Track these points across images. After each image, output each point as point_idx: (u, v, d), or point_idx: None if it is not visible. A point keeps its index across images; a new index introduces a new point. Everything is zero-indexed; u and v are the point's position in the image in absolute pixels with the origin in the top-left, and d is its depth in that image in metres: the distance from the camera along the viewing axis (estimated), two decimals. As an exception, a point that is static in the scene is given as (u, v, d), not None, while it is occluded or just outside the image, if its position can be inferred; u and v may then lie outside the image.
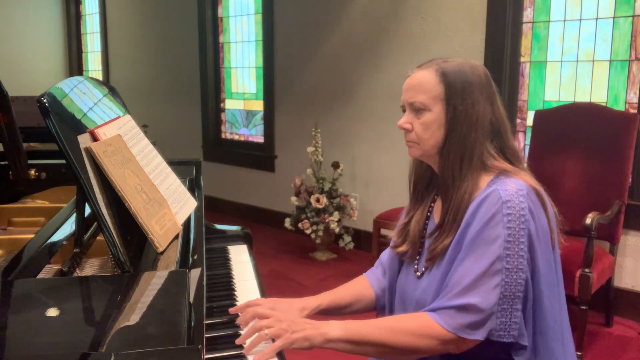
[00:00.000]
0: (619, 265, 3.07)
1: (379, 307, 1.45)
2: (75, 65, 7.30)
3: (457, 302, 1.14)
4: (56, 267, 1.22)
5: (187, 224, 1.41)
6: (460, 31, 3.56)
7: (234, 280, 1.61)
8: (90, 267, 1.26)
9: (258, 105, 5.05)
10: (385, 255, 1.46)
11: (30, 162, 1.80)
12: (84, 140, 1.16)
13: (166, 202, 1.30)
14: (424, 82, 1.24)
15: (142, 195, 1.21)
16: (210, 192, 5.12)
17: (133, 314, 0.94)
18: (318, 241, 4.05)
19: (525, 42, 3.40)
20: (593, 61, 3.18)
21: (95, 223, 1.32)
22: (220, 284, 1.58)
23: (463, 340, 1.16)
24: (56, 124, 1.09)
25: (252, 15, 5.00)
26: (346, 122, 4.27)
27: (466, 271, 1.15)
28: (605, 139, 2.90)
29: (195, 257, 1.30)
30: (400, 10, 3.83)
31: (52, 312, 0.93)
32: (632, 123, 2.84)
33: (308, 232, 3.98)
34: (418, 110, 1.25)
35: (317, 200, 3.97)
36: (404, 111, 1.29)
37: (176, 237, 1.28)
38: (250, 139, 5.18)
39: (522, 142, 3.46)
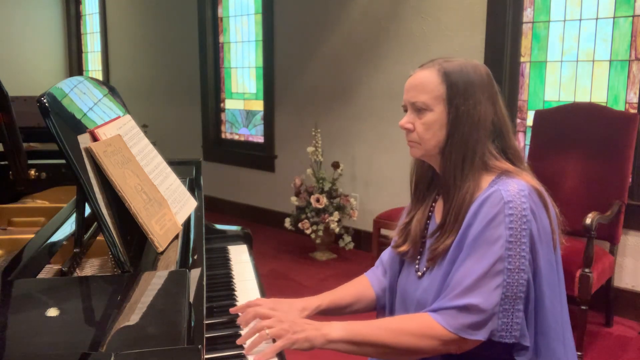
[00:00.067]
0: (619, 265, 3.07)
1: (380, 307, 1.44)
2: (75, 65, 7.30)
3: (458, 303, 1.14)
4: (56, 267, 1.21)
5: (187, 224, 1.41)
6: (460, 31, 3.56)
7: (234, 280, 1.61)
8: (90, 267, 1.26)
9: (258, 105, 5.05)
10: (386, 255, 1.46)
11: (30, 162, 1.80)
12: (84, 140, 1.16)
13: (166, 202, 1.30)
14: (426, 82, 1.23)
15: (142, 195, 1.21)
16: (210, 192, 5.12)
17: (133, 314, 0.94)
18: (318, 241, 4.05)
19: (525, 42, 3.39)
20: (593, 61, 3.18)
21: (95, 223, 1.32)
22: (220, 284, 1.58)
23: (464, 341, 1.15)
24: (56, 124, 1.09)
25: (252, 15, 5.00)
26: (346, 122, 4.26)
27: (467, 271, 1.15)
28: (605, 139, 2.89)
29: (195, 257, 1.30)
30: (400, 10, 3.83)
31: (52, 312, 0.93)
32: (632, 123, 2.84)
33: (308, 232, 3.98)
34: (420, 110, 1.24)
35: (317, 200, 3.96)
36: (406, 111, 1.28)
37: (176, 237, 1.28)
38: (250, 139, 5.18)
39: (522, 142, 3.46)
